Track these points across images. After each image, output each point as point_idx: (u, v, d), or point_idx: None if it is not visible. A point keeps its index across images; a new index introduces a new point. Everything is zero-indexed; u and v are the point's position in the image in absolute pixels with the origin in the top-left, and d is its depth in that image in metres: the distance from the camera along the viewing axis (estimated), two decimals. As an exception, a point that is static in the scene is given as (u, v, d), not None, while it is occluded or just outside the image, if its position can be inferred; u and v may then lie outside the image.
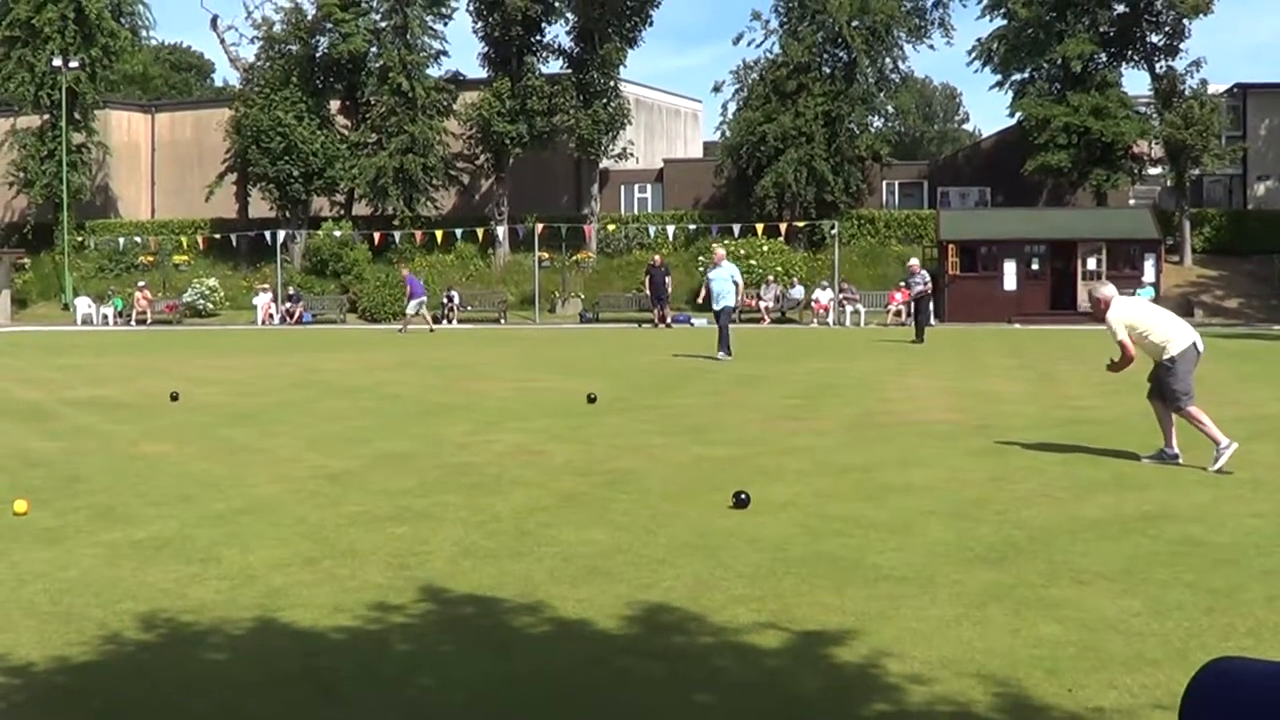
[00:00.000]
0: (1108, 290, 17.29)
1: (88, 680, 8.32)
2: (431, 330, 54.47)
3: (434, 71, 71.90)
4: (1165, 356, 16.69)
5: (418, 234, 67.51)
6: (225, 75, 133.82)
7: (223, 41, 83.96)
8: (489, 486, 15.01)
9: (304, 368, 34.07)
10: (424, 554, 11.53)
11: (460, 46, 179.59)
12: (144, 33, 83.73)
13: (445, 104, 71.19)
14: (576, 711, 7.70)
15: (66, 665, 8.56)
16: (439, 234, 66.89)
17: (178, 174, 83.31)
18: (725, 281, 35.60)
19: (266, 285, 67.76)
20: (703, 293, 39.31)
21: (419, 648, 8.86)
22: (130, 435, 20.65)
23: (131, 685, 8.19)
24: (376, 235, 68.26)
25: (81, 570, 11.18)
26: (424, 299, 56.58)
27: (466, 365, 34.30)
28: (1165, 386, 16.74)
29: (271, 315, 65.87)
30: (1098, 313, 17.23)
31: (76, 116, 74.42)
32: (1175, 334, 16.71)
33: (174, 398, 24.35)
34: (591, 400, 23.40)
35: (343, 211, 73.05)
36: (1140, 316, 16.95)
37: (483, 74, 71.10)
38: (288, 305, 66.03)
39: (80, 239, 76.04)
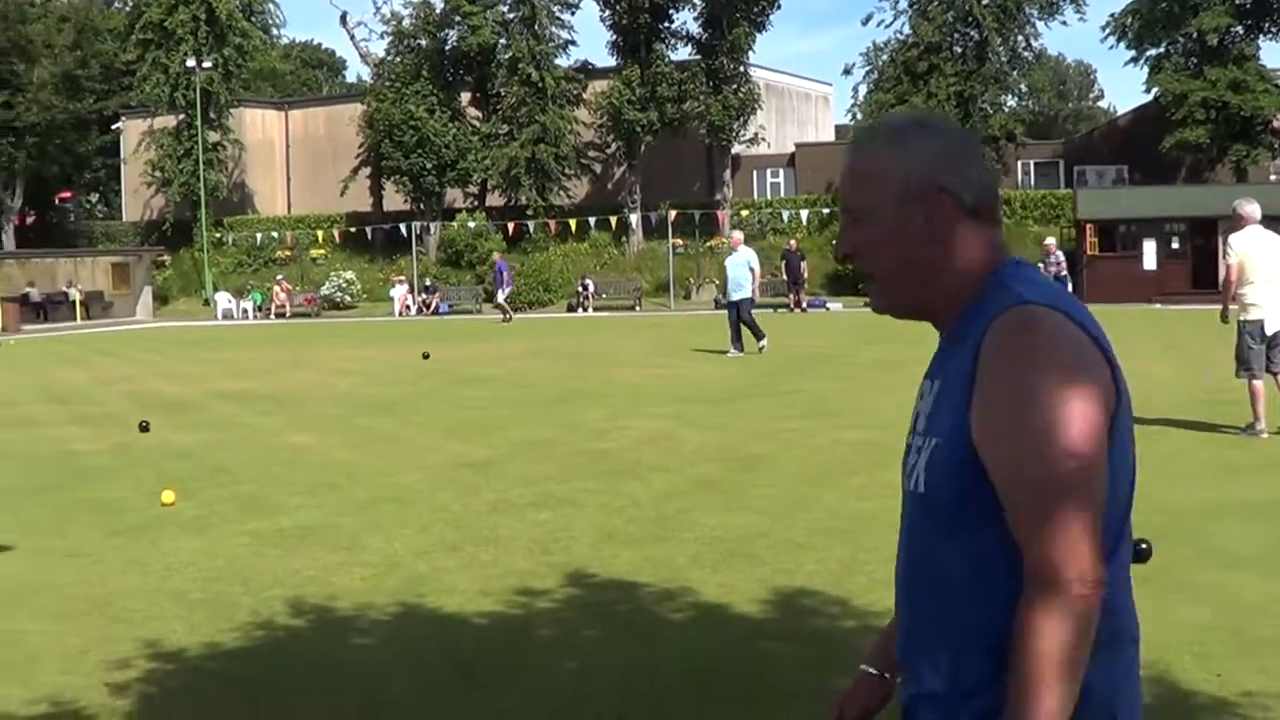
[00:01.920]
0: (1249, 209, 16.63)
1: (238, 666, 8.44)
2: (506, 320, 54.38)
3: (563, 61, 72.16)
4: (1241, 316, 16.33)
5: (551, 223, 67.71)
6: (356, 71, 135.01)
7: (353, 37, 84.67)
8: (627, 472, 15.06)
9: (441, 357, 34.25)
10: (565, 540, 11.59)
11: (588, 35, 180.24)
12: (274, 31, 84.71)
13: (575, 93, 71.31)
14: (720, 696, 7.72)
15: (217, 651, 8.69)
16: (572, 223, 67.04)
17: (312, 169, 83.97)
18: (742, 268, 32.45)
19: (403, 277, 68.12)
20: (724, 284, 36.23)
21: (561, 633, 8.91)
22: (273, 426, 20.89)
23: (280, 671, 8.31)
24: (510, 225, 68.43)
25: (229, 558, 11.35)
26: (510, 289, 56.73)
27: (601, 352, 34.37)
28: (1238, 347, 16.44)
29: (408, 306, 66.22)
30: (1234, 225, 16.71)
31: (211, 116, 75.28)
32: (1266, 303, 16.21)
33: (144, 428, 20.95)
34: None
35: (476, 203, 73.40)
36: (1258, 261, 16.38)
37: (612, 62, 71.18)
38: (424, 296, 66.37)
39: (218, 235, 76.88)
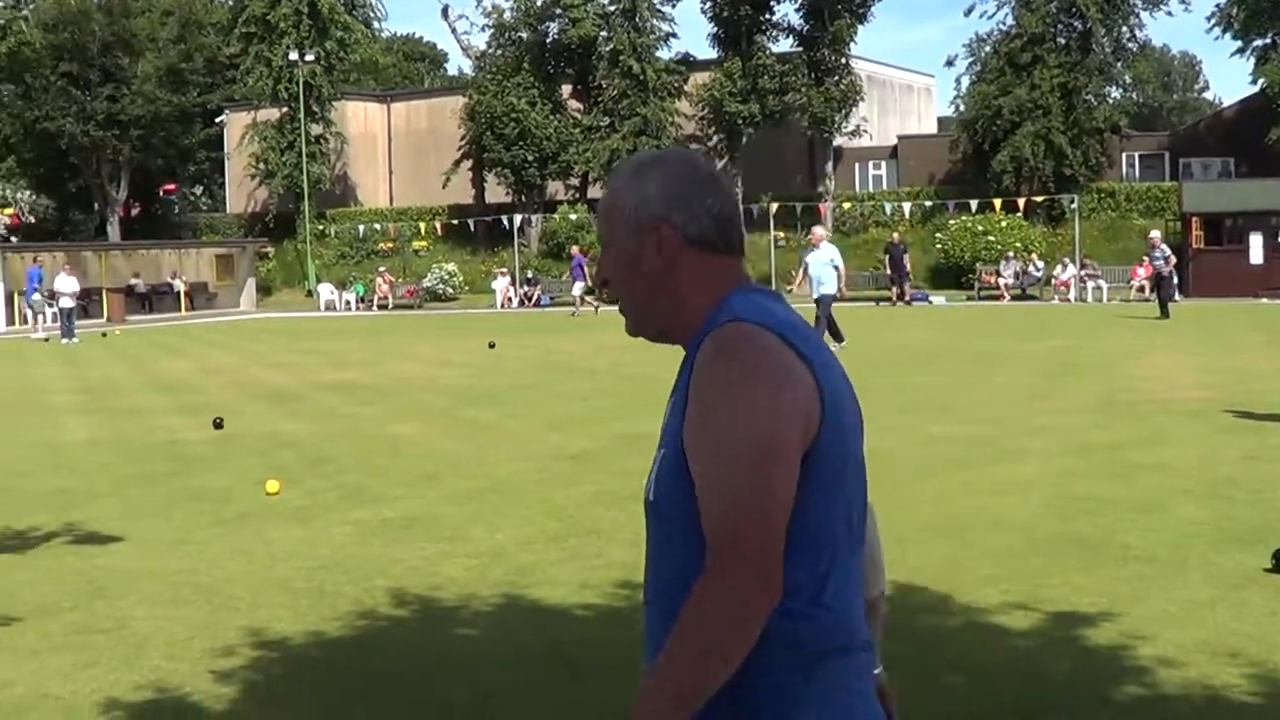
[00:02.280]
0: None
1: (342, 655, 8.48)
2: (574, 314, 54.38)
3: (664, 53, 71.99)
4: None
5: (654, 216, 67.68)
6: (458, 64, 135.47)
7: (454, 30, 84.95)
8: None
9: (543, 349, 34.35)
10: (667, 532, 11.54)
11: (689, 28, 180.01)
12: (376, 24, 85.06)
13: (676, 85, 71.23)
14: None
15: (321, 640, 8.73)
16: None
17: (414, 162, 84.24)
18: (825, 266, 31.17)
19: (504, 269, 68.21)
20: (799, 278, 34.54)
21: (665, 625, 8.87)
22: (376, 417, 21.01)
23: (384, 660, 8.34)
24: (610, 218, 68.38)
25: (333, 548, 11.41)
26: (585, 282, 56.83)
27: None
28: None
29: (510, 298, 66.35)
30: None
31: (314, 109, 75.67)
32: None
33: (218, 425, 21.76)
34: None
35: (578, 195, 73.45)
36: None
37: (713, 54, 71.00)
38: (525, 289, 66.47)
39: (321, 227, 77.25)
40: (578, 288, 56.38)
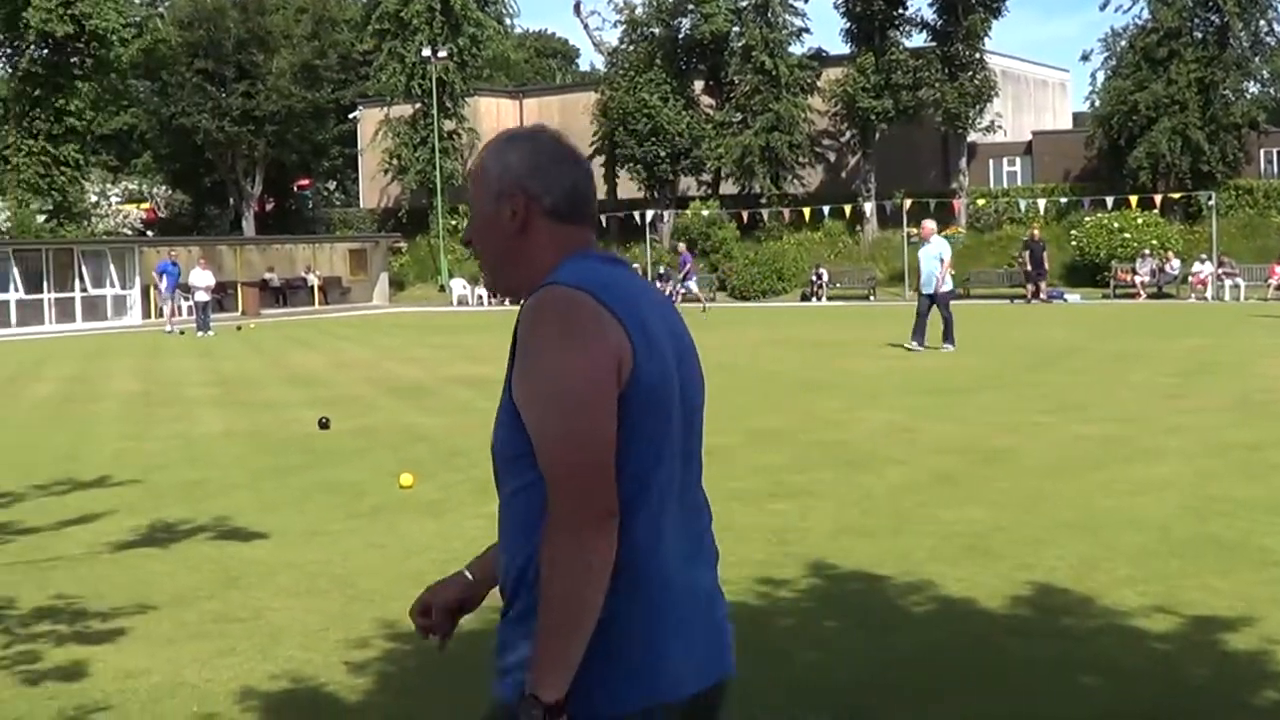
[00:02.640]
0: None
1: (474, 647, 8.42)
2: (704, 310, 54.23)
3: (796, 49, 71.67)
4: None
5: (785, 212, 67.50)
6: (590, 60, 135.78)
7: (586, 26, 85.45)
8: (863, 464, 14.94)
9: (674, 346, 34.26)
10: (802, 530, 11.52)
11: (822, 23, 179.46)
12: (508, 21, 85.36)
13: (809, 81, 70.94)
14: (959, 690, 7.63)
15: (456, 633, 8.70)
16: (806, 211, 66.67)
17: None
18: (934, 260, 30.99)
19: (636, 265, 68.27)
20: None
21: (801, 623, 8.85)
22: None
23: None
24: (744, 214, 68.29)
25: (465, 541, 11.40)
26: (694, 280, 56.81)
27: (836, 342, 34.19)
28: None
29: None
30: None
31: (446, 104, 76.05)
32: None
33: (324, 425, 20.06)
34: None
35: (710, 190, 73.42)
36: None
37: (845, 50, 70.74)
38: (657, 284, 66.41)
39: (454, 222, 77.64)
40: (693, 284, 56.31)
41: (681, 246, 61.02)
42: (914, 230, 62.91)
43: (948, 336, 30.37)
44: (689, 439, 3.56)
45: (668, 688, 3.40)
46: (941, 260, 30.78)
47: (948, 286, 30.87)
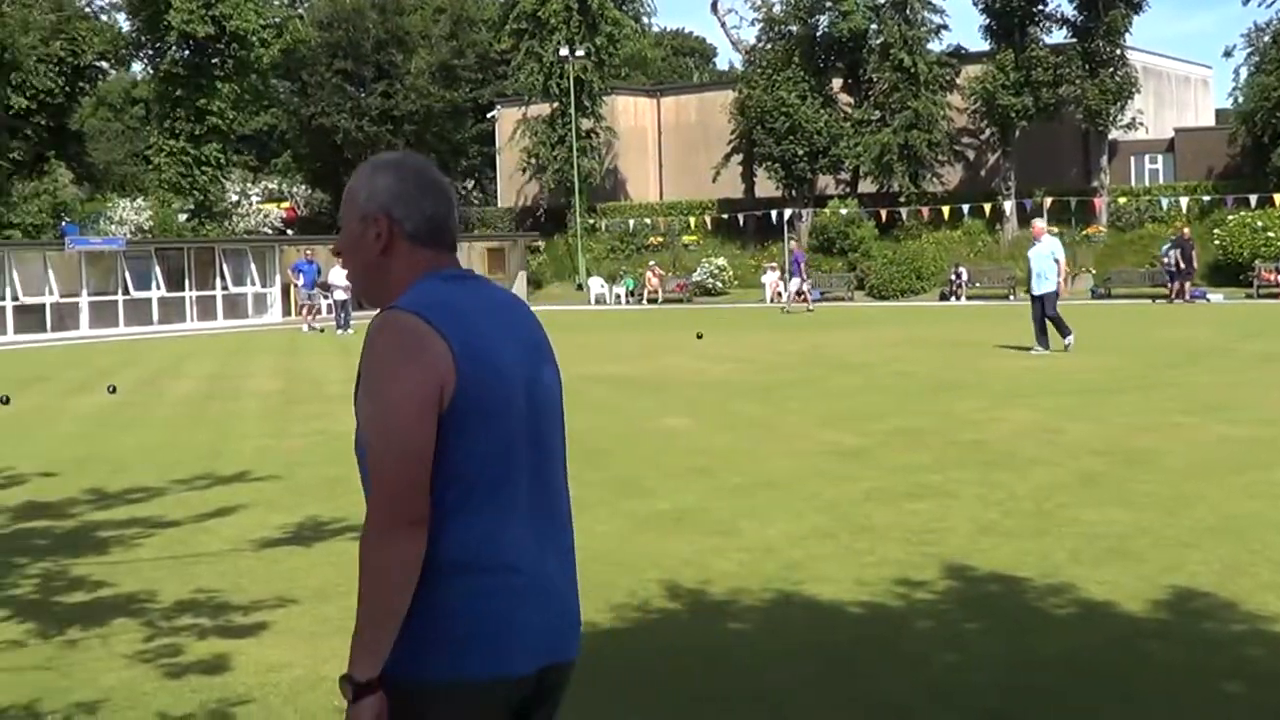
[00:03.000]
0: None
1: (614, 646, 8.48)
2: (810, 310, 53.99)
3: (935, 46, 71.28)
4: None
5: (923, 210, 67.13)
6: (728, 58, 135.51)
7: (723, 25, 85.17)
8: (1003, 464, 14.82)
9: (813, 344, 34.23)
10: (941, 531, 11.44)
11: (961, 20, 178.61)
12: (645, 19, 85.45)
13: (948, 78, 70.50)
14: (1099, 694, 7.54)
15: (592, 631, 8.72)
16: (945, 210, 66.32)
17: (684, 156, 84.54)
18: (1046, 259, 30.13)
19: (774, 264, 68.12)
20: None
21: (939, 625, 8.80)
22: (647, 409, 21.10)
23: (656, 653, 8.35)
24: (883, 212, 68.01)
25: (605, 540, 11.44)
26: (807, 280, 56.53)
27: (976, 342, 33.95)
28: None
29: (779, 293, 66.29)
30: None
31: (584, 103, 76.24)
32: None
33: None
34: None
35: (848, 189, 73.15)
36: None
37: (985, 46, 70.23)
38: (794, 280, 66.22)
39: (591, 221, 77.89)
40: (804, 284, 56.12)
41: (793, 245, 60.80)
42: (1055, 229, 62.52)
43: (1062, 330, 29.72)
44: (540, 440, 3.90)
45: (509, 664, 3.72)
46: (1056, 259, 30.09)
47: (1054, 287, 29.86)
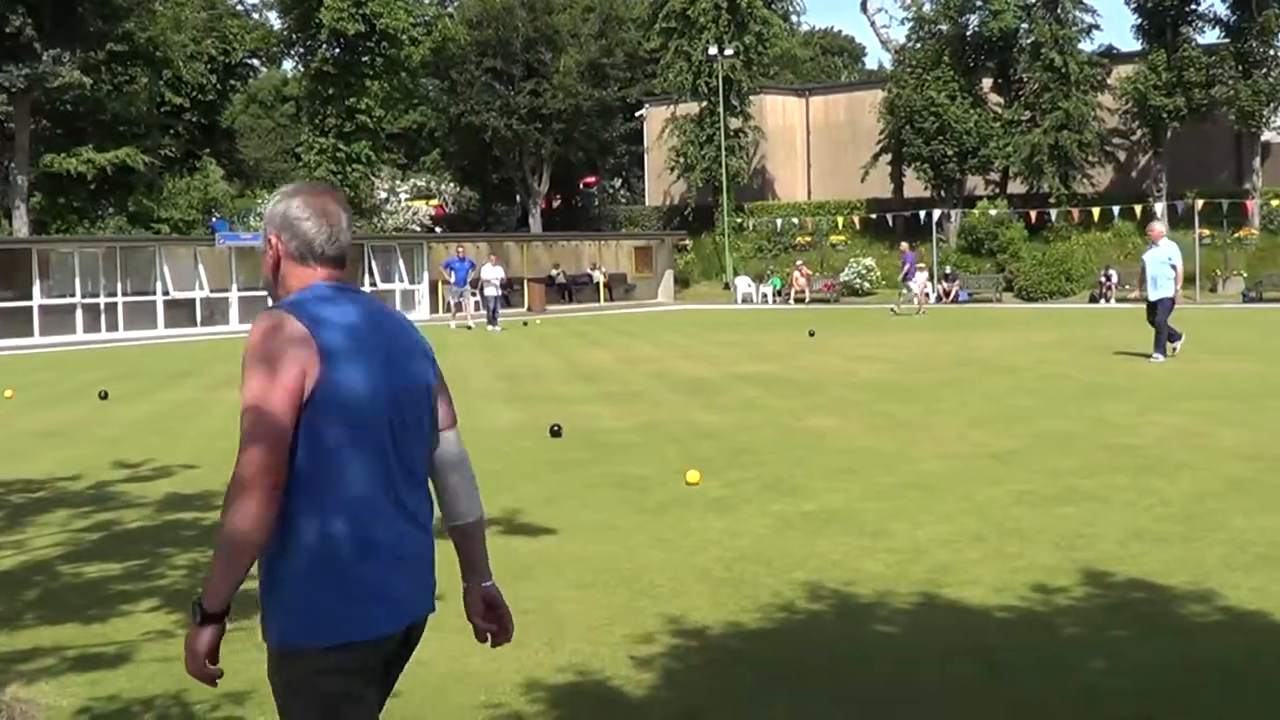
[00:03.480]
0: None
1: (761, 645, 8.49)
2: (919, 312, 53.51)
3: (1086, 46, 70.64)
4: None
5: (1073, 211, 66.48)
6: (876, 57, 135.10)
7: (873, 24, 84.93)
8: (1154, 469, 14.65)
9: (962, 345, 34.04)
10: (1091, 536, 11.34)
11: (1112, 19, 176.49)
12: (795, 18, 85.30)
13: (1098, 78, 69.87)
14: (1251, 703, 7.48)
15: (740, 630, 8.76)
16: (1095, 211, 65.65)
17: (832, 155, 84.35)
18: (1162, 265, 28.92)
19: (922, 264, 67.85)
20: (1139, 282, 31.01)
21: (1088, 630, 8.71)
22: (795, 409, 21.06)
23: (804, 653, 8.34)
24: (1032, 213, 67.45)
25: (752, 539, 11.46)
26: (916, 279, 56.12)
27: (1125, 344, 33.57)
28: None
29: (927, 294, 65.98)
30: None
31: (733, 102, 76.20)
32: None
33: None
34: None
35: (997, 190, 72.67)
36: None
37: (1136, 46, 69.52)
38: (943, 284, 65.98)
39: (739, 220, 77.88)
40: (915, 285, 55.85)
41: (904, 246, 60.51)
42: (1206, 232, 61.86)
43: (1160, 343, 28.62)
44: (405, 433, 4.45)
45: (385, 624, 4.40)
46: (1173, 265, 28.92)
47: (1170, 293, 28.69)
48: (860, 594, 9.62)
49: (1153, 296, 28.94)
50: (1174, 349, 28.72)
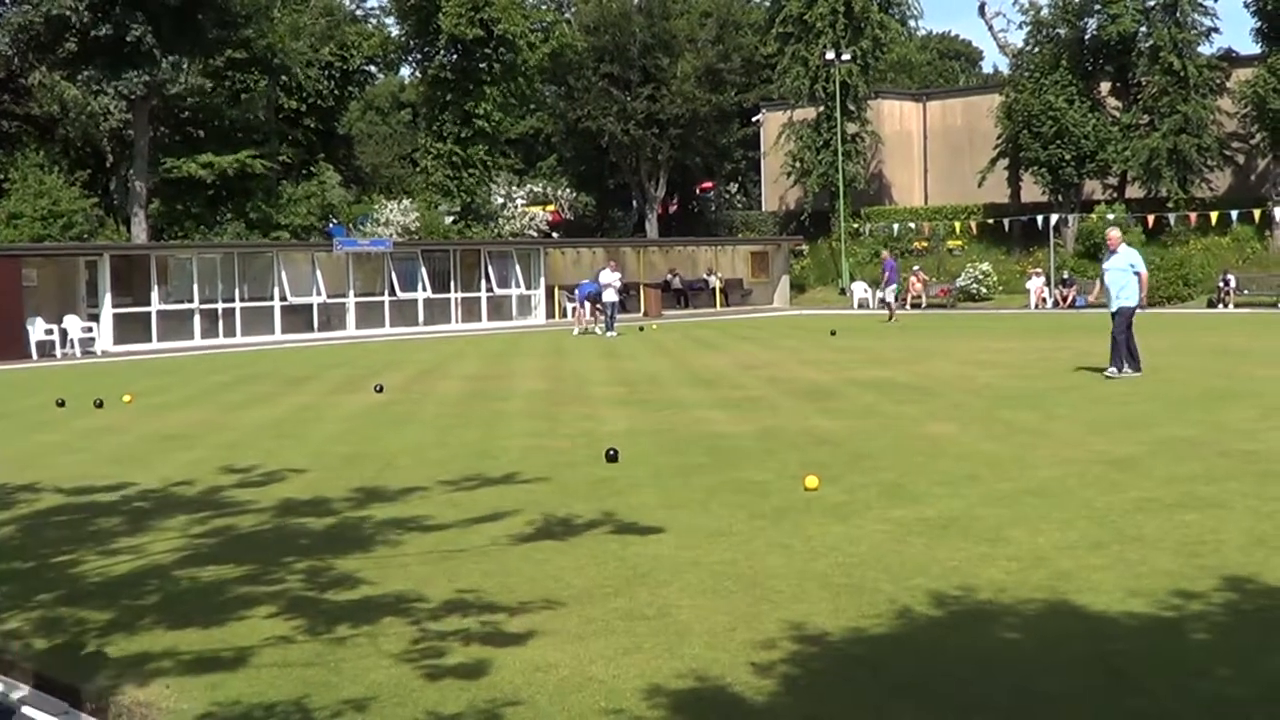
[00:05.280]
0: None
1: (882, 652, 8.47)
2: (890, 319, 53.33)
3: (1205, 49, 69.95)
4: None
5: (1191, 216, 65.87)
6: (993, 61, 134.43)
7: (991, 28, 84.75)
8: (1277, 476, 14.47)
9: (1079, 351, 33.76)
10: (1214, 542, 11.23)
11: (1232, 22, 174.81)
12: (912, 23, 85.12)
13: (1218, 82, 69.20)
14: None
15: (861, 637, 8.74)
16: (1213, 215, 65.03)
17: (949, 160, 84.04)
18: (1123, 273, 26.90)
19: (1039, 269, 67.47)
20: (1096, 288, 28.36)
21: (1214, 637, 8.64)
22: (913, 415, 20.98)
23: (925, 659, 8.31)
24: (1150, 218, 66.89)
25: (871, 545, 11.44)
26: (894, 287, 56.24)
27: (1246, 350, 33.27)
28: None
29: (1044, 299, 65.59)
30: None
31: (850, 107, 76.10)
32: None
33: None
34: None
35: (1115, 194, 72.10)
36: None
37: (1256, 50, 68.74)
38: (1061, 289, 65.58)
39: (855, 225, 77.73)
40: (887, 293, 56.81)
41: (885, 253, 60.48)
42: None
43: (1115, 359, 26.62)
44: None
45: None
46: (1136, 272, 26.92)
47: (1133, 302, 26.74)
48: (981, 600, 9.58)
49: (1112, 306, 27.01)
50: (1118, 374, 26.41)
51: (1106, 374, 26.44)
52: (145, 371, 37.09)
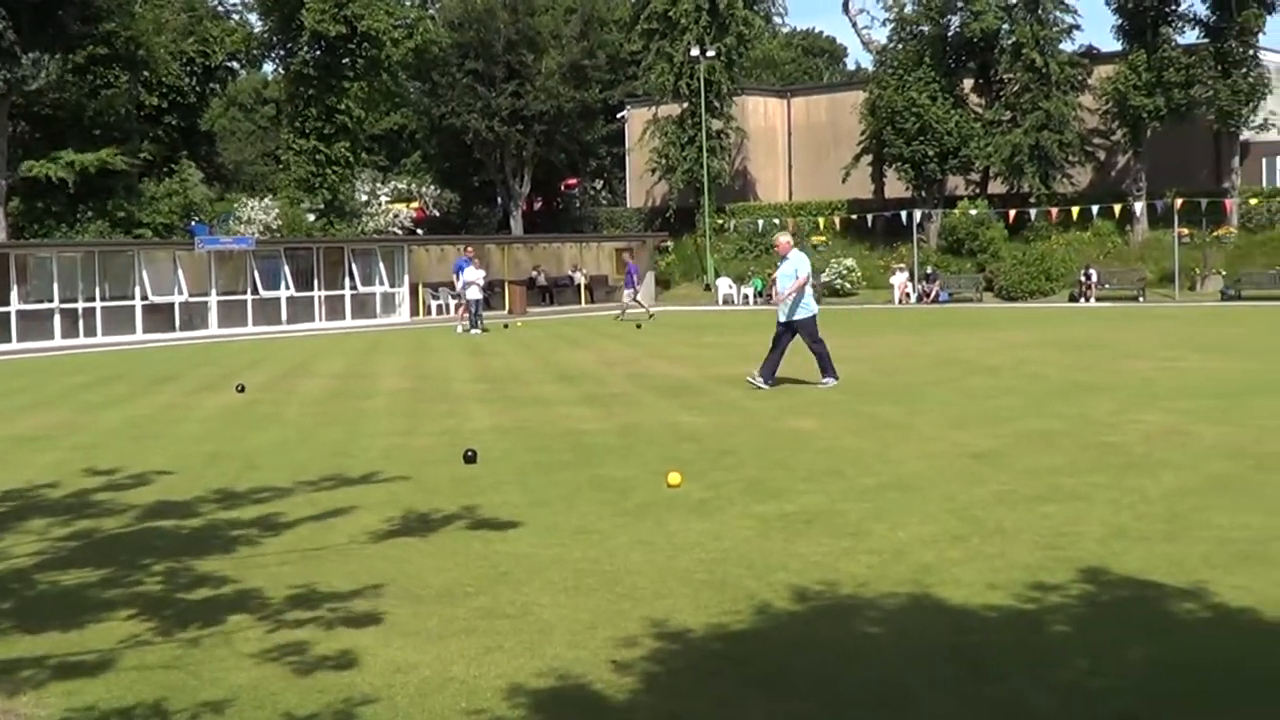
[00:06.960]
0: None
1: (744, 648, 8.46)
2: (621, 317, 54.31)
3: (1067, 46, 70.76)
4: None
5: (1053, 211, 66.55)
6: (858, 58, 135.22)
7: (855, 25, 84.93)
8: (1137, 467, 14.65)
9: (943, 346, 34.05)
10: (1073, 534, 11.33)
11: (1093, 20, 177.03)
12: (776, 19, 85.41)
13: (1079, 79, 70.05)
14: (1237, 699, 7.45)
15: (723, 633, 8.72)
16: (1075, 211, 65.76)
17: (813, 156, 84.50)
18: (789, 279, 24.82)
19: (903, 265, 68.03)
20: (774, 293, 26.70)
21: (1071, 629, 8.70)
22: (775, 411, 21.03)
23: (787, 654, 8.30)
24: (1012, 213, 67.54)
25: (734, 541, 11.44)
26: (638, 290, 57.93)
27: (1107, 344, 33.65)
28: None
29: (908, 294, 66.10)
30: None
31: (714, 104, 76.26)
32: None
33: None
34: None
35: (978, 190, 72.78)
36: None
37: (1117, 47, 69.64)
38: (924, 284, 66.12)
39: (720, 222, 77.93)
40: (630, 295, 57.89)
41: (627, 256, 61.24)
42: (1185, 230, 62.01)
43: (826, 370, 24.89)
44: None
45: None
46: (797, 276, 24.69)
47: (806, 313, 24.80)
48: (843, 595, 9.59)
49: (782, 317, 25.07)
50: (835, 381, 24.78)
51: (822, 384, 24.53)
52: (3, 373, 36.52)
